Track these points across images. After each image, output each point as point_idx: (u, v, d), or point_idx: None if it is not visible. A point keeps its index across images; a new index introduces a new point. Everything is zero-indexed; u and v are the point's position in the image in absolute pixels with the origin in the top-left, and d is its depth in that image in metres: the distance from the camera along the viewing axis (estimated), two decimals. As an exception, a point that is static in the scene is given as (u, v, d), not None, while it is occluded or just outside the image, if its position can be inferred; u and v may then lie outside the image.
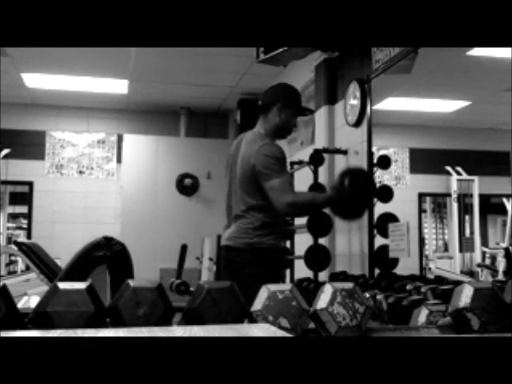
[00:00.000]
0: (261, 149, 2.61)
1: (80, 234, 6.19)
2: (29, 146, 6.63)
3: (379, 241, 3.50)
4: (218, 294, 1.09)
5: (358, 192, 2.51)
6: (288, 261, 4.25)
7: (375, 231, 3.51)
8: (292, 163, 4.40)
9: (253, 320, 1.09)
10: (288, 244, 4.46)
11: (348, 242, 4.00)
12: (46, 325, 0.98)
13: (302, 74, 4.79)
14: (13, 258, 7.08)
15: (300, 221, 3.92)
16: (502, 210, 3.88)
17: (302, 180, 4.17)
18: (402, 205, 3.92)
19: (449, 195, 3.99)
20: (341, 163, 4.13)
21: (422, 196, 4.24)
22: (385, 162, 3.65)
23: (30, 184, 6.63)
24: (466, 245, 3.91)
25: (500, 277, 3.43)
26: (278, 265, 2.76)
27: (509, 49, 2.64)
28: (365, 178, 2.63)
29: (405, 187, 4.11)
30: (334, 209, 2.64)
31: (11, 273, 6.89)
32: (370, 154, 3.59)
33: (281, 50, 3.61)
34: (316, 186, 3.89)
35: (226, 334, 0.87)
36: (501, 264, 3.56)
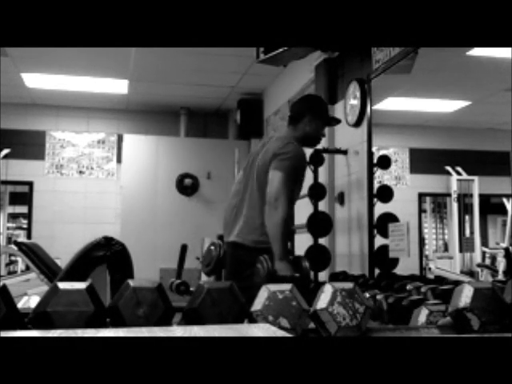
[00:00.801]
0: (287, 145, 2.69)
1: (80, 234, 6.20)
2: (29, 145, 6.63)
3: (379, 241, 3.50)
4: (218, 294, 1.09)
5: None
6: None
7: (375, 231, 3.51)
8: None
9: (253, 320, 1.09)
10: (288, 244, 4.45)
11: (348, 242, 4.00)
12: (46, 325, 0.98)
13: (302, 74, 4.79)
14: (13, 258, 7.07)
15: (300, 221, 3.91)
16: (502, 210, 3.87)
17: (302, 180, 4.17)
18: (402, 205, 3.92)
19: (449, 195, 3.99)
20: (341, 163, 4.13)
21: (422, 196, 4.23)
22: (385, 162, 3.65)
23: (30, 184, 6.62)
24: (466, 245, 3.91)
25: (500, 277, 3.43)
26: None
27: (509, 49, 2.64)
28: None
29: (405, 187, 4.11)
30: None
31: (11, 273, 6.89)
32: (370, 154, 3.59)
33: (281, 50, 3.61)
34: (316, 186, 3.89)
35: (226, 334, 0.87)
36: (501, 264, 3.56)
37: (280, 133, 2.93)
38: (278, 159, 2.62)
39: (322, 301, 1.12)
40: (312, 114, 2.82)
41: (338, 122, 3.07)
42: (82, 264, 3.11)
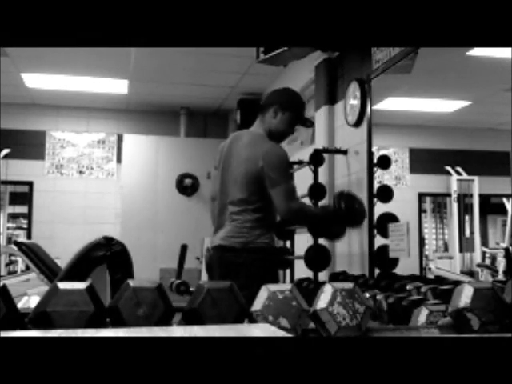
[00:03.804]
0: (270, 151, 2.58)
1: (80, 234, 6.19)
2: (29, 145, 6.63)
3: (379, 241, 3.50)
4: (217, 294, 1.09)
5: (352, 214, 2.62)
6: (288, 261, 4.25)
7: (375, 231, 3.51)
8: (292, 163, 4.39)
9: (253, 320, 1.09)
10: (288, 244, 4.46)
11: (348, 242, 4.00)
12: (46, 325, 0.98)
13: (302, 74, 4.79)
14: (13, 258, 7.08)
15: (300, 221, 3.91)
16: (502, 210, 3.87)
17: (302, 180, 4.17)
18: (402, 205, 3.92)
19: (449, 195, 3.98)
20: (341, 163, 4.13)
21: (421, 196, 4.23)
22: (385, 162, 3.65)
23: (30, 184, 6.63)
24: (466, 245, 3.91)
25: (500, 277, 3.43)
26: (273, 264, 2.76)
27: (509, 49, 2.64)
28: (358, 204, 2.68)
29: (405, 187, 4.11)
30: (327, 226, 2.71)
31: (11, 273, 6.89)
32: (370, 154, 3.59)
33: (281, 49, 3.61)
34: (316, 186, 3.89)
35: (226, 334, 0.87)
36: (501, 264, 3.55)
37: (248, 131, 2.81)
38: (271, 174, 2.53)
39: (322, 301, 1.12)
40: (279, 105, 2.63)
41: (311, 124, 3.07)
42: (82, 264, 3.10)
